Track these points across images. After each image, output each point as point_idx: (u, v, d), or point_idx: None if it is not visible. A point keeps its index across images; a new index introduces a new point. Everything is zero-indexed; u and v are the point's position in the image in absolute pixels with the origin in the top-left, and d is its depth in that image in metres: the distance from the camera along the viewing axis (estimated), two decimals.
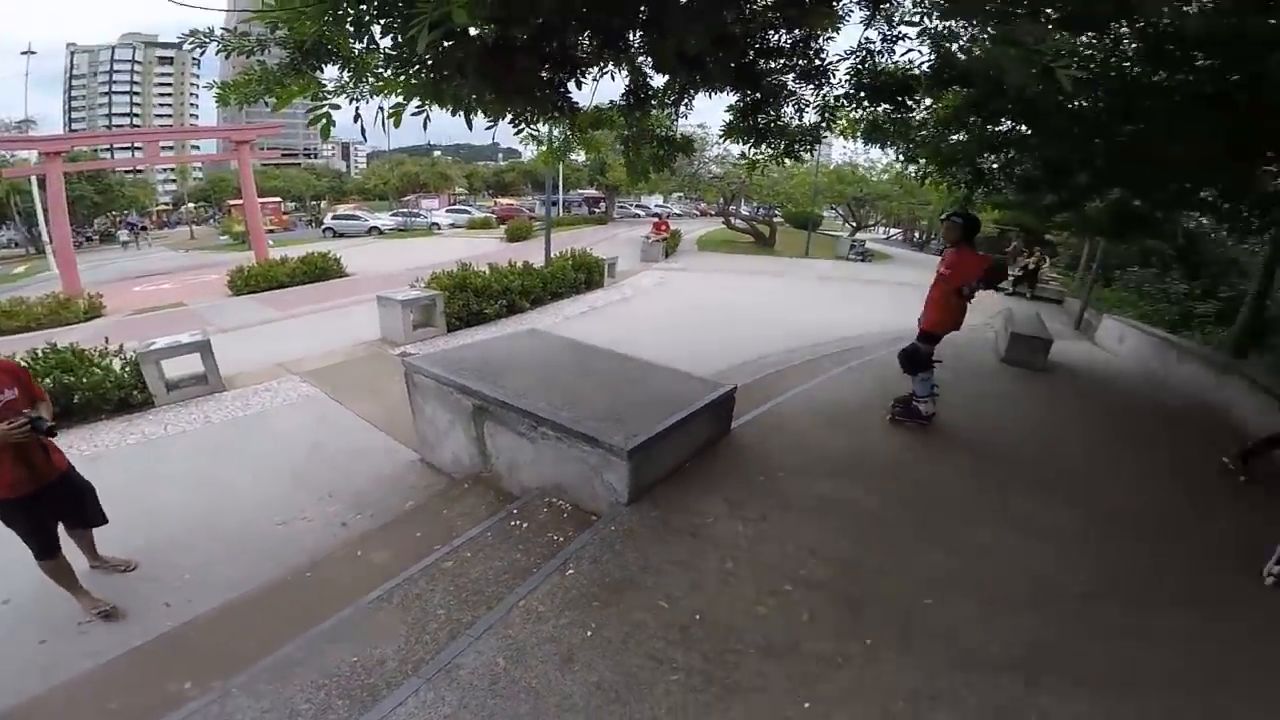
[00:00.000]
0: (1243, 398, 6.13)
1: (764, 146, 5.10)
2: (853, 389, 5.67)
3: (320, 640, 2.56)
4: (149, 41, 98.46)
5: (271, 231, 27.90)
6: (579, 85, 3.88)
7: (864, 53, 4.49)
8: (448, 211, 39.43)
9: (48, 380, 6.02)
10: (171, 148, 30.59)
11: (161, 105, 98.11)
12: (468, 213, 39.01)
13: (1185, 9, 3.18)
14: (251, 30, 3.39)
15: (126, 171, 43.68)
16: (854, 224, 32.59)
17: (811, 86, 4.77)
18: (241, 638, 2.83)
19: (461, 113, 2.91)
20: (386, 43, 2.65)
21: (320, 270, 15.86)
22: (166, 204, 55.89)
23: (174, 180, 64.52)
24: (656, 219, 22.77)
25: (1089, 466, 4.55)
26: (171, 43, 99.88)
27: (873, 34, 4.41)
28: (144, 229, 38.68)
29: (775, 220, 31.87)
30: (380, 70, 3.10)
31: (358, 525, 4.10)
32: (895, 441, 4.56)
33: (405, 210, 38.79)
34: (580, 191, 46.76)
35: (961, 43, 4.34)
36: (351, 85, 3.59)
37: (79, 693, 2.69)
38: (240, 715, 2.20)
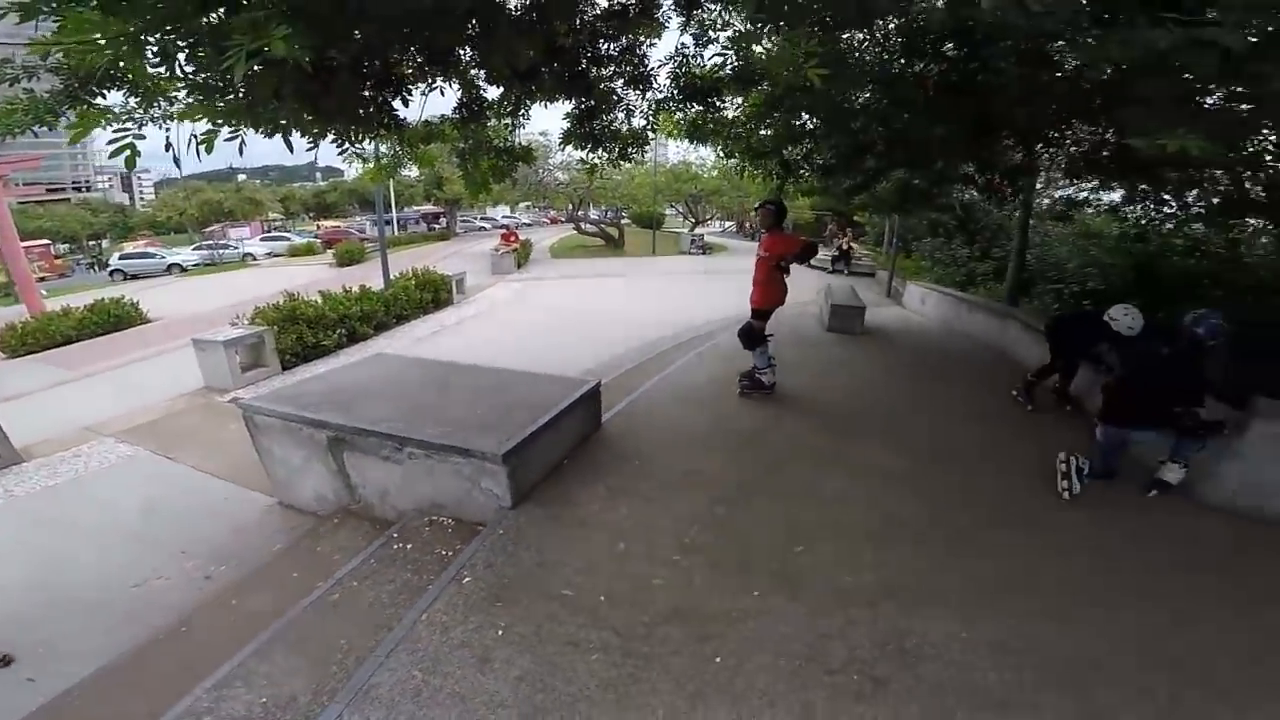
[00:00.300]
0: (1018, 337, 7.44)
1: (600, 151, 5.32)
2: (705, 371, 6.10)
3: (221, 688, 2.43)
4: None
5: (43, 279, 23.69)
6: (405, 102, 3.82)
7: (680, 58, 4.84)
8: (263, 240, 35.79)
9: None
10: None
11: None
12: (287, 239, 35.64)
13: (924, 4, 3.63)
14: (15, 57, 3.00)
15: None
16: (693, 220, 34.40)
17: (637, 91, 5.08)
18: (127, 700, 2.65)
19: (280, 135, 2.76)
20: (191, 68, 2.45)
21: (115, 319, 13.69)
22: None
23: None
24: (504, 230, 22.42)
25: (911, 412, 5.31)
26: None
27: (688, 39, 4.80)
28: None
29: (623, 222, 32.77)
30: (179, 95, 2.86)
31: (223, 576, 3.82)
32: (747, 412, 4.99)
33: (211, 243, 34.51)
34: (416, 208, 44.56)
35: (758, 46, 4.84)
36: (141, 111, 3.27)
37: None
38: None
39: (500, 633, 2.53)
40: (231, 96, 2.46)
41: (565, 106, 5.10)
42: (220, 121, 2.43)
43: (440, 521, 3.55)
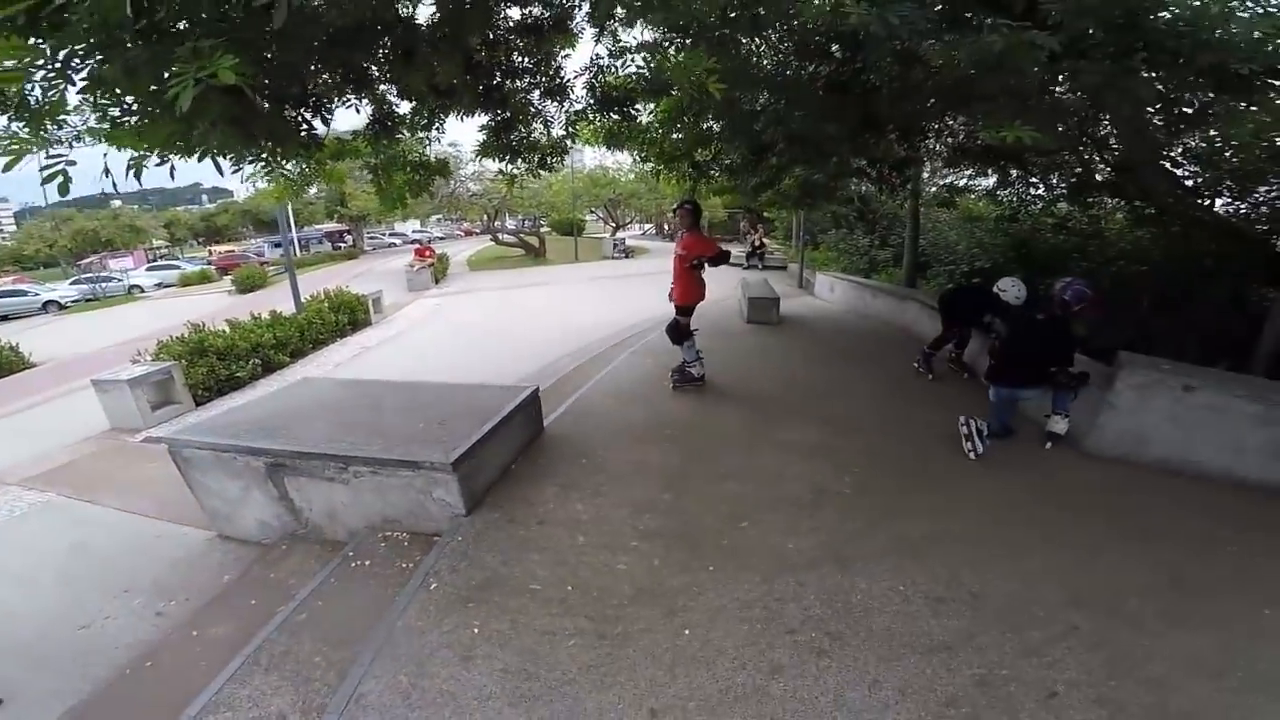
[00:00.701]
0: (917, 316, 8.12)
1: (519, 162, 5.43)
2: (638, 369, 6.33)
3: (205, 715, 2.43)
4: None
5: None
6: (325, 121, 3.81)
7: (595, 68, 5.02)
8: (149, 270, 33.09)
9: None
10: None
11: None
12: (177, 268, 33.11)
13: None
14: None
15: None
16: (613, 224, 34.68)
17: (554, 103, 5.23)
18: None
19: (209, 158, 2.74)
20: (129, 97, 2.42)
21: None
22: None
23: None
24: (418, 245, 21.85)
25: (828, 391, 5.74)
26: None
27: (601, 50, 4.98)
28: None
29: (543, 231, 32.57)
30: (72, 121, 2.77)
31: (175, 611, 3.68)
32: (680, 404, 5.26)
33: (90, 275, 31.53)
34: (318, 227, 42.50)
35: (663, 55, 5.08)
36: (31, 134, 3.12)
37: None
38: None
39: (477, 631, 2.62)
40: (156, 124, 2.43)
41: (480, 118, 5.20)
42: (147, 148, 2.40)
43: (394, 536, 3.58)
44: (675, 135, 6.36)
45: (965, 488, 3.84)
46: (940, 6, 2.99)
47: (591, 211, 38.20)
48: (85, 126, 3.31)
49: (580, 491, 3.70)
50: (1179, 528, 3.38)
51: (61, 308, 26.08)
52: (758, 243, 19.61)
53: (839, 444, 4.44)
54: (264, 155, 3.22)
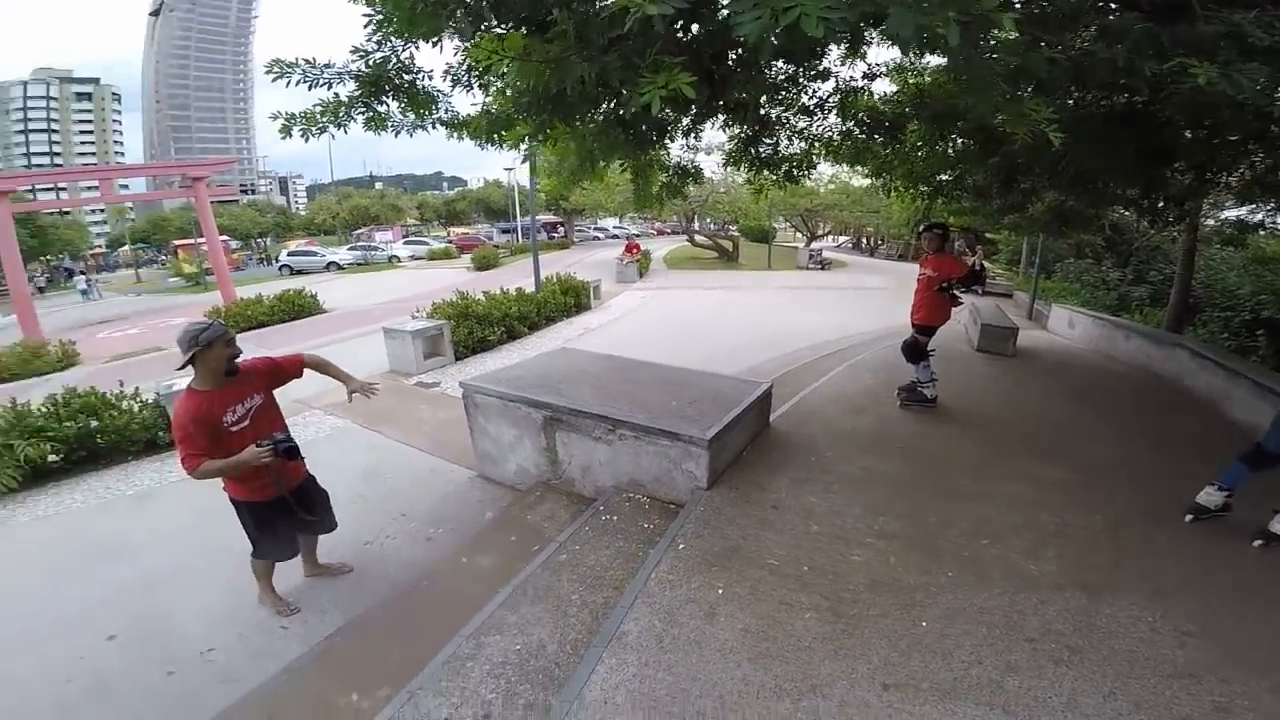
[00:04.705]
0: (1187, 367, 7.08)
1: (765, 172, 5.72)
2: (859, 383, 6.34)
3: (480, 635, 2.79)
4: (64, 77, 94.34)
5: None
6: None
7: (849, 91, 5.13)
8: (406, 243, 39.22)
9: (73, 424, 6.13)
10: (95, 187, 29.63)
11: (82, 143, 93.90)
12: (426, 244, 38.87)
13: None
14: (334, 62, 3.72)
15: (52, 213, 41.60)
16: (808, 234, 33.99)
17: (805, 119, 5.45)
18: (389, 648, 3.05)
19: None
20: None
21: (298, 308, 15.84)
22: (100, 246, 53.50)
23: (104, 221, 61.85)
24: (629, 241, 23.41)
25: (1073, 429, 5.32)
26: (88, 78, 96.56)
27: (855, 73, 5.10)
28: (84, 273, 36.94)
29: (733, 234, 32.96)
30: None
31: (442, 539, 4.34)
32: (909, 422, 5.21)
33: (363, 244, 38.38)
34: (537, 217, 46.92)
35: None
36: (415, 118, 4.10)
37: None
38: (435, 712, 2.39)
39: (720, 592, 2.90)
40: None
41: (730, 129, 5.56)
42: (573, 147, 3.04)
43: (637, 499, 4.03)
44: (920, 154, 6.28)
45: (1228, 542, 3.47)
46: None
47: (784, 219, 37.74)
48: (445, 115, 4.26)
49: (812, 486, 3.90)
50: None
51: (340, 268, 32.07)
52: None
53: (1085, 483, 4.17)
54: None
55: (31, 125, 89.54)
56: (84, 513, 5.27)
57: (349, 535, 4.40)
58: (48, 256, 39.58)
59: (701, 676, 2.40)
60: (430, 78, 4.17)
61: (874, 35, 4.00)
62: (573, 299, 13.18)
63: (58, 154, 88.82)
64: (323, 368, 3.57)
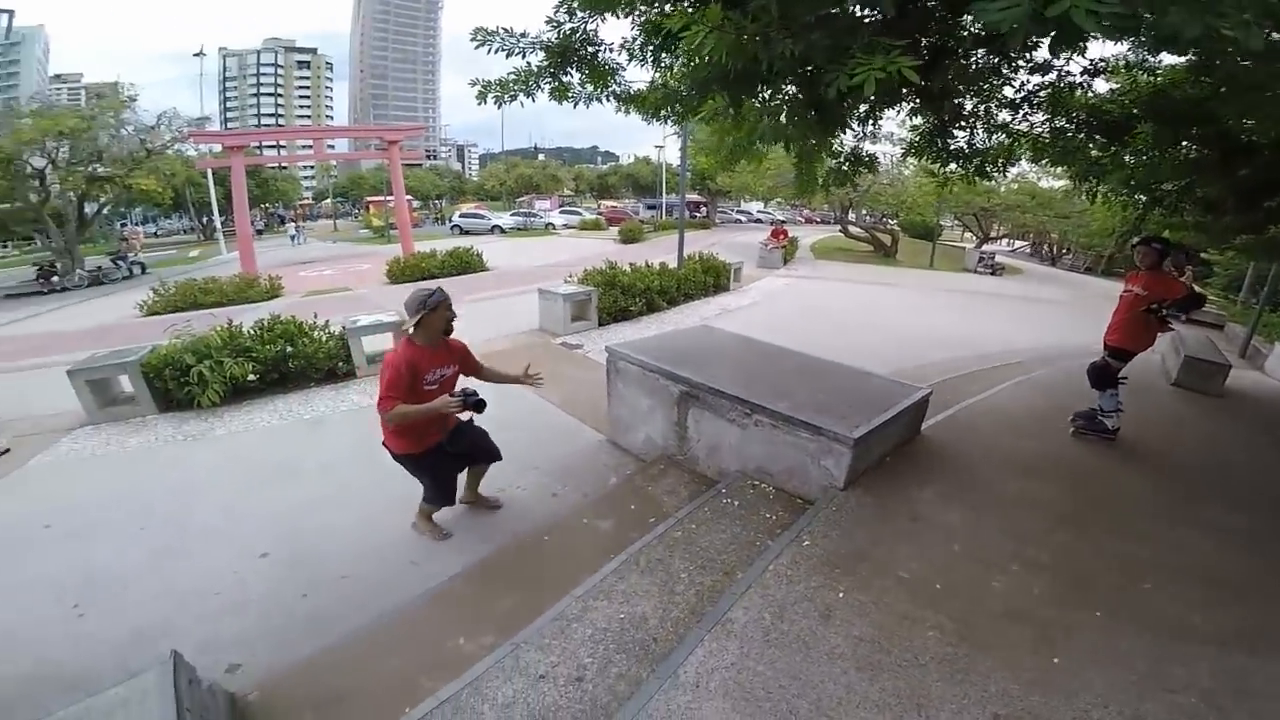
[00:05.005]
0: None
1: (953, 165, 5.26)
2: (1025, 402, 5.73)
3: (588, 599, 2.87)
4: (288, 46, 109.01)
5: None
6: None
7: (1066, 87, 4.60)
8: (561, 212, 41.17)
9: (272, 347, 7.04)
10: (309, 146, 33.74)
11: (301, 106, 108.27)
12: (579, 214, 40.58)
13: None
14: (530, 32, 3.96)
15: (272, 166, 48.43)
16: (980, 235, 31.09)
17: (1009, 113, 4.93)
18: (497, 597, 3.21)
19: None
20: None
21: (465, 264, 17.26)
22: (308, 198, 61.73)
23: (313, 177, 71.26)
24: (775, 226, 22.77)
25: (1274, 482, 4.45)
26: (307, 48, 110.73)
27: (1073, 67, 4.53)
28: (293, 220, 42.81)
29: (892, 227, 30.92)
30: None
31: (566, 496, 4.52)
32: (1080, 451, 4.63)
33: (524, 211, 40.90)
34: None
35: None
36: (595, 89, 4.21)
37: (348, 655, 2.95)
38: (534, 667, 2.49)
39: (841, 595, 2.79)
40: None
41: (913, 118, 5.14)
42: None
43: (762, 487, 3.95)
44: (1137, 160, 5.47)
45: None
46: None
47: (955, 217, 34.70)
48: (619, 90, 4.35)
49: (958, 503, 3.61)
50: None
51: (502, 232, 34.43)
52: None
53: (1276, 535, 3.56)
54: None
55: (262, 90, 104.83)
56: (266, 431, 6.06)
57: (487, 478, 4.66)
58: (266, 205, 46.31)
59: (803, 676, 2.35)
60: (611, 50, 4.31)
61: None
62: (713, 279, 13.10)
63: (280, 115, 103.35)
64: (495, 377, 3.81)
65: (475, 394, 3.33)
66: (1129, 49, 4.59)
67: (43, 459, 5.55)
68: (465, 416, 3.68)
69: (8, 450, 5.68)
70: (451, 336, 3.50)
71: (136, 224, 47.48)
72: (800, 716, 2.17)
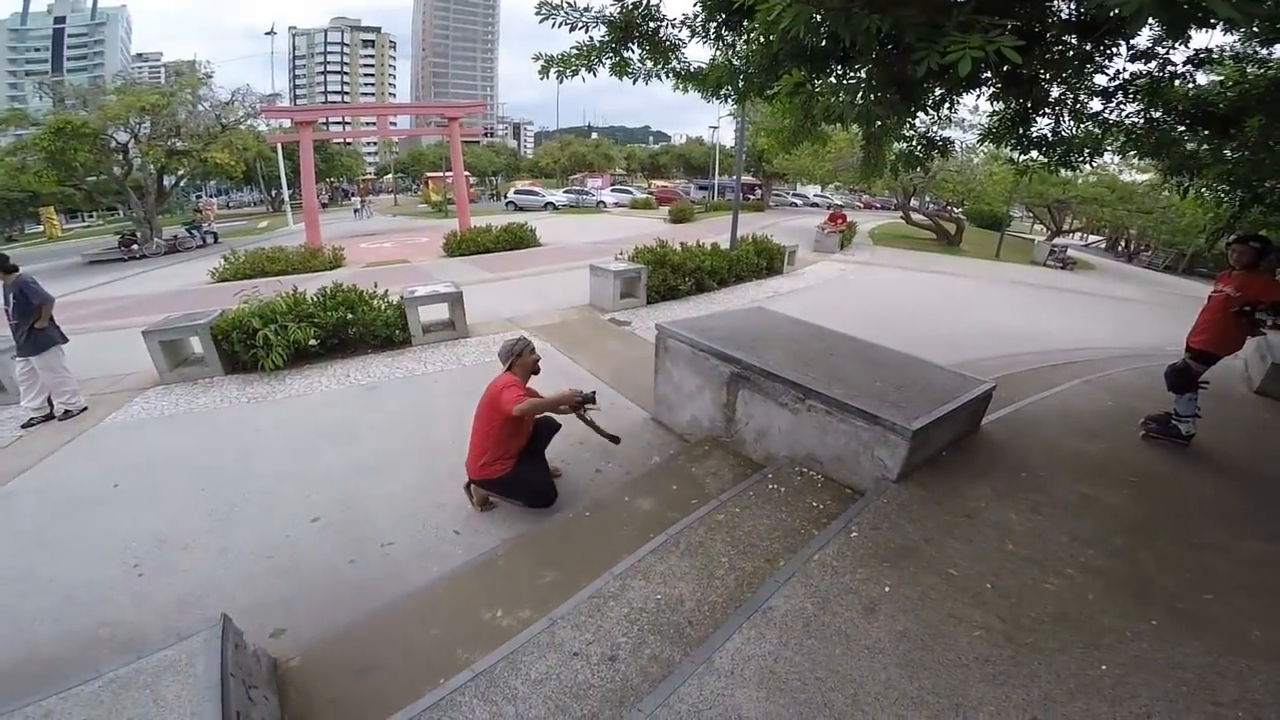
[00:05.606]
0: None
1: (1034, 154, 4.99)
2: (1094, 402, 5.42)
3: (625, 577, 2.87)
4: (354, 25, 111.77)
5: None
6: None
7: (1166, 77, 4.37)
8: (612, 191, 41.19)
9: (334, 314, 7.26)
10: (372, 123, 34.55)
11: (366, 84, 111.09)
12: (630, 193, 40.50)
13: None
14: (593, 6, 3.95)
15: (338, 141, 49.93)
16: (1052, 228, 29.53)
17: (1100, 101, 4.64)
18: (536, 572, 3.25)
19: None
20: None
21: (519, 239, 17.49)
22: (370, 173, 63.44)
23: (376, 152, 73.17)
24: (833, 210, 22.16)
25: None
26: (372, 26, 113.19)
27: (1176, 56, 4.28)
28: (357, 195, 44.09)
29: (957, 216, 29.67)
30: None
31: (609, 473, 4.55)
32: (1150, 455, 4.37)
33: (577, 189, 41.06)
34: (732, 178, 46.33)
35: None
36: (655, 66, 4.15)
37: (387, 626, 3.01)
38: (568, 644, 2.49)
39: (887, 590, 2.72)
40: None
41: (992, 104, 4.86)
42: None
43: (810, 474, 3.87)
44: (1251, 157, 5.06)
45: None
46: None
47: (1026, 209, 33.02)
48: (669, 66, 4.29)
49: (1016, 502, 3.46)
50: None
51: (555, 209, 34.71)
52: None
53: None
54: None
55: (329, 68, 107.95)
56: (325, 395, 6.28)
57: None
58: (331, 179, 47.79)
59: (841, 670, 2.31)
60: (672, 26, 4.24)
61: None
62: (765, 261, 12.88)
63: (346, 93, 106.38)
64: (536, 409, 3.84)
65: (593, 393, 4.02)
66: (1238, 39, 4.39)
67: (116, 417, 5.89)
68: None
69: (86, 408, 6.05)
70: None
71: (210, 196, 49.81)
72: (835, 709, 2.13)
